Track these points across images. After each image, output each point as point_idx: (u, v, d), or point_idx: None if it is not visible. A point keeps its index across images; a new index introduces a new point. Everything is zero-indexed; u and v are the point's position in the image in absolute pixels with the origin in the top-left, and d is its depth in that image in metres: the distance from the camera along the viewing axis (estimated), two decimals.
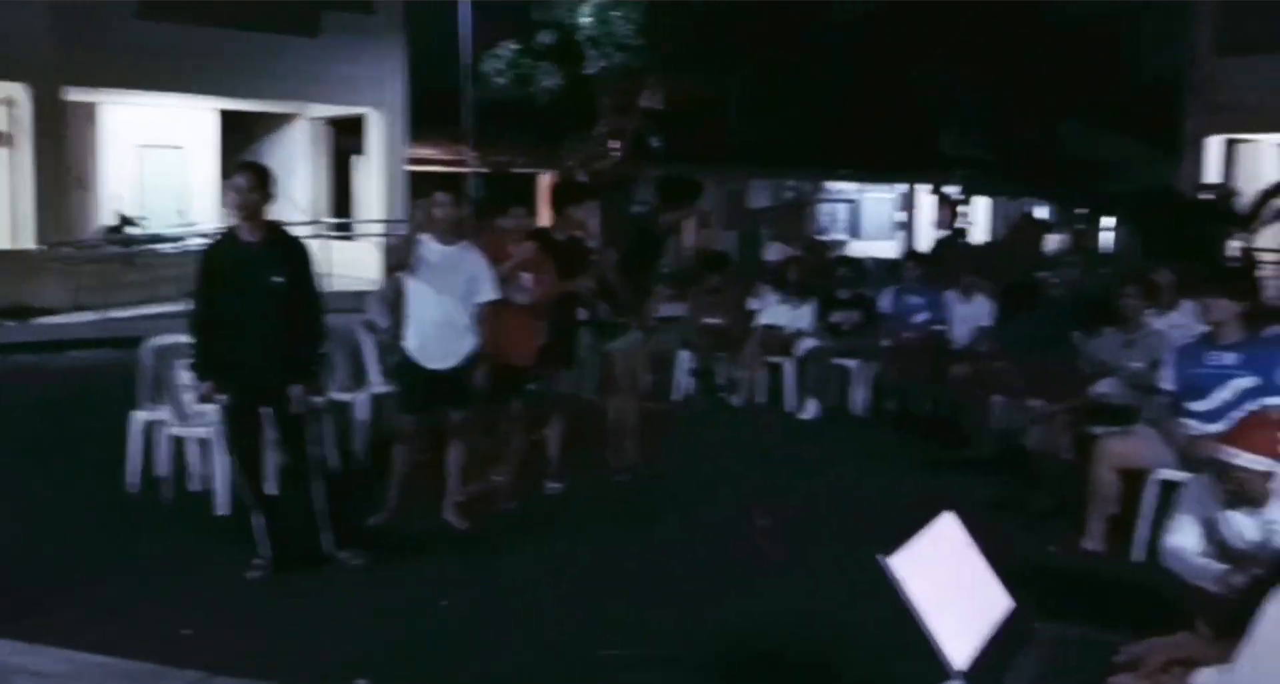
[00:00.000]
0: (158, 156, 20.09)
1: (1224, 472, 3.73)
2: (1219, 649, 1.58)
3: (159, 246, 17.66)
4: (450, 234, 5.59)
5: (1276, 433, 4.06)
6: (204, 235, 16.25)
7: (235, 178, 4.89)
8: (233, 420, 4.94)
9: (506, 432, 6.17)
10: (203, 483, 6.13)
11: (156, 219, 19.33)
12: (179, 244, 16.93)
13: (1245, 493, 3.69)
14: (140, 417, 6.29)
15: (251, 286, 4.83)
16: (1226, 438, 3.84)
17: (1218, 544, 3.92)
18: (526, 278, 5.87)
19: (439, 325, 5.56)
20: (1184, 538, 3.94)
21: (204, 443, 6.03)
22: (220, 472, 5.70)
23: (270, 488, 5.25)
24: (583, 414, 7.14)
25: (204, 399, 5.12)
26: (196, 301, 4.98)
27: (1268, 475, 3.70)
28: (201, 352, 4.97)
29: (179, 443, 6.18)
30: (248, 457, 4.98)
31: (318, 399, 5.29)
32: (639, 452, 6.92)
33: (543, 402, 6.32)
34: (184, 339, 5.47)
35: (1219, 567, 3.75)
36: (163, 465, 6.24)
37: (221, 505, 5.72)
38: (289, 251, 4.98)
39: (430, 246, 5.55)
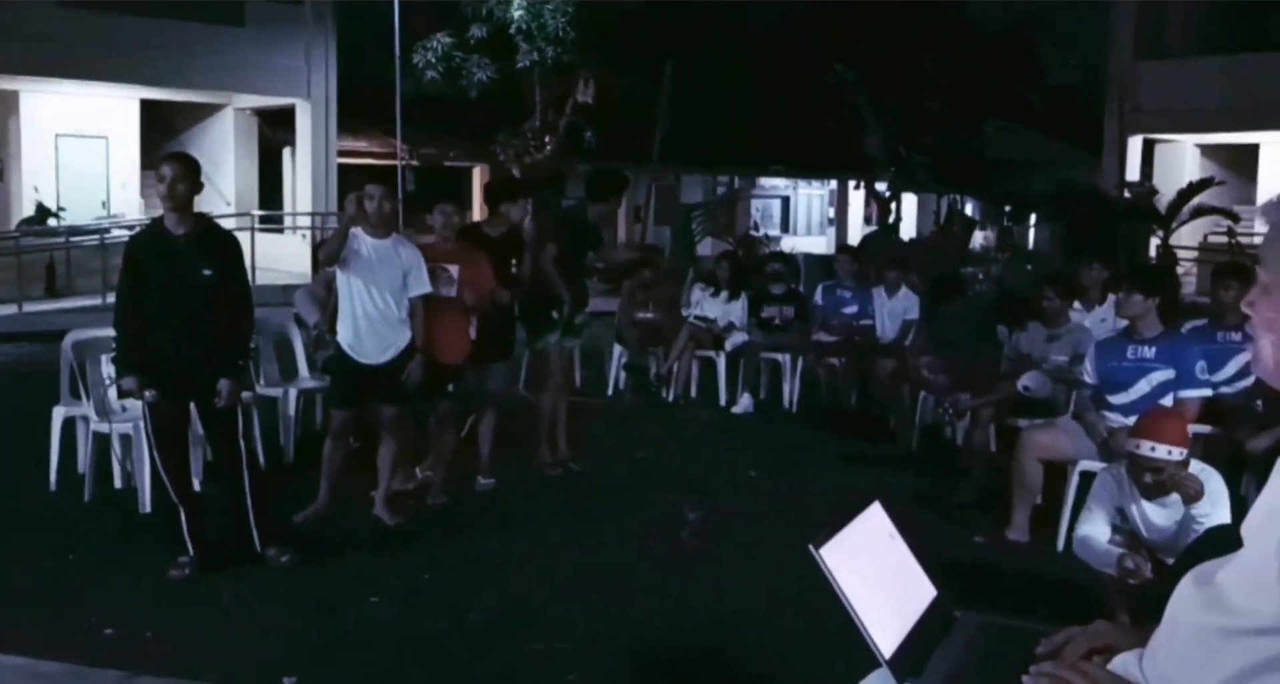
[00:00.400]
0: (79, 146, 19.65)
1: (1143, 464, 3.81)
2: (1137, 636, 1.63)
3: (80, 238, 17.25)
4: (382, 227, 5.54)
5: (1185, 424, 4.17)
6: (127, 227, 15.92)
7: (161, 168, 4.78)
8: (157, 416, 4.84)
9: (438, 427, 6.13)
10: (126, 480, 6.02)
11: (77, 210, 18.89)
12: (101, 236, 16.54)
13: (1182, 489, 3.77)
14: (61, 412, 6.15)
15: (179, 279, 4.73)
16: (1137, 430, 3.92)
17: (1128, 533, 4.02)
18: (452, 269, 5.83)
19: (372, 320, 5.51)
20: (1093, 527, 4.03)
21: (127, 439, 5.92)
22: (144, 468, 5.59)
23: (194, 484, 5.17)
24: (515, 409, 7.12)
25: (127, 394, 5.01)
26: (121, 294, 4.87)
27: (1186, 464, 3.80)
28: (126, 346, 4.86)
29: (101, 439, 6.05)
30: (172, 453, 4.89)
31: (246, 394, 5.21)
32: (571, 447, 6.92)
33: (474, 397, 6.29)
34: (105, 333, 5.35)
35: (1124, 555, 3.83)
36: (85, 462, 6.10)
37: (145, 503, 5.61)
38: (218, 244, 4.90)
39: (362, 240, 5.49)
